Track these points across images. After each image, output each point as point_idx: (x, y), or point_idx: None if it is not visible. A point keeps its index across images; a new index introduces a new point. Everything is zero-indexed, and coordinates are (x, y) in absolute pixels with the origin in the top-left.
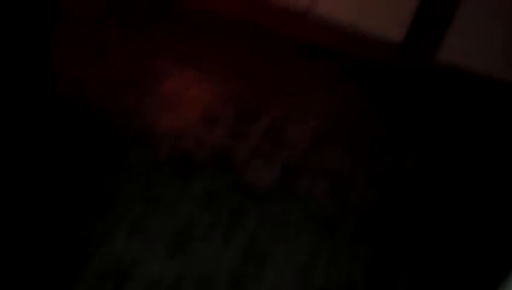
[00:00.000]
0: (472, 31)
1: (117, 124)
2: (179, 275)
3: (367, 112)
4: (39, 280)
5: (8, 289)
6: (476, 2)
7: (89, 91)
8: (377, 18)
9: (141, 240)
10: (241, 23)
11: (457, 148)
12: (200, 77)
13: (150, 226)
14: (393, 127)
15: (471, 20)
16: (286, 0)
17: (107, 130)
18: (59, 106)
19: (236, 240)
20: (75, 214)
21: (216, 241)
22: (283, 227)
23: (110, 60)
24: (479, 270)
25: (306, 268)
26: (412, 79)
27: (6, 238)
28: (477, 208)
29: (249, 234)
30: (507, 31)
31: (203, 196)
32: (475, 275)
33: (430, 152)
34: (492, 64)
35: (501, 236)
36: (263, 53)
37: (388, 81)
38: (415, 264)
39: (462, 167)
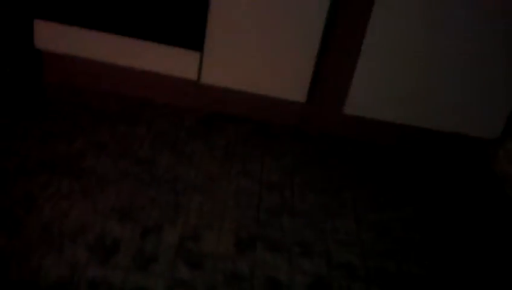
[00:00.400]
0: (372, 83)
1: None
2: None
3: (285, 188)
4: None
5: None
6: (373, 56)
7: None
8: (274, 81)
9: None
10: (126, 103)
11: (395, 207)
12: (84, 187)
13: None
14: (315, 201)
15: (370, 74)
16: (172, 70)
17: None
18: None
19: None
20: None
21: None
22: None
23: None
24: None
25: None
26: (322, 137)
27: None
28: None
29: None
30: (403, 80)
31: None
32: None
33: (363, 220)
34: (395, 111)
35: None
36: (158, 137)
37: (299, 144)
38: None
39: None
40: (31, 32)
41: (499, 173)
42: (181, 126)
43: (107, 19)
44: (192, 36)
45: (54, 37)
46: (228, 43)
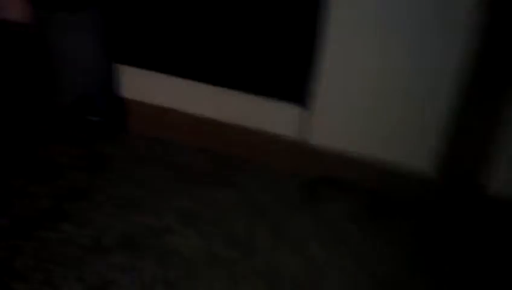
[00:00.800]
0: None
1: None
2: None
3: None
4: None
5: None
6: None
7: None
8: (394, 147)
9: None
10: (217, 162)
11: None
12: (168, 274)
13: None
14: None
15: None
16: (272, 127)
17: None
18: None
19: None
20: None
21: None
22: None
23: None
24: None
25: None
26: (455, 218)
27: None
28: None
29: None
30: None
31: None
32: None
33: None
34: None
35: None
36: (256, 208)
37: (424, 226)
38: None
39: None
40: (114, 79)
41: None
42: (282, 194)
43: (198, 67)
44: (297, 90)
45: (139, 84)
46: (341, 100)
